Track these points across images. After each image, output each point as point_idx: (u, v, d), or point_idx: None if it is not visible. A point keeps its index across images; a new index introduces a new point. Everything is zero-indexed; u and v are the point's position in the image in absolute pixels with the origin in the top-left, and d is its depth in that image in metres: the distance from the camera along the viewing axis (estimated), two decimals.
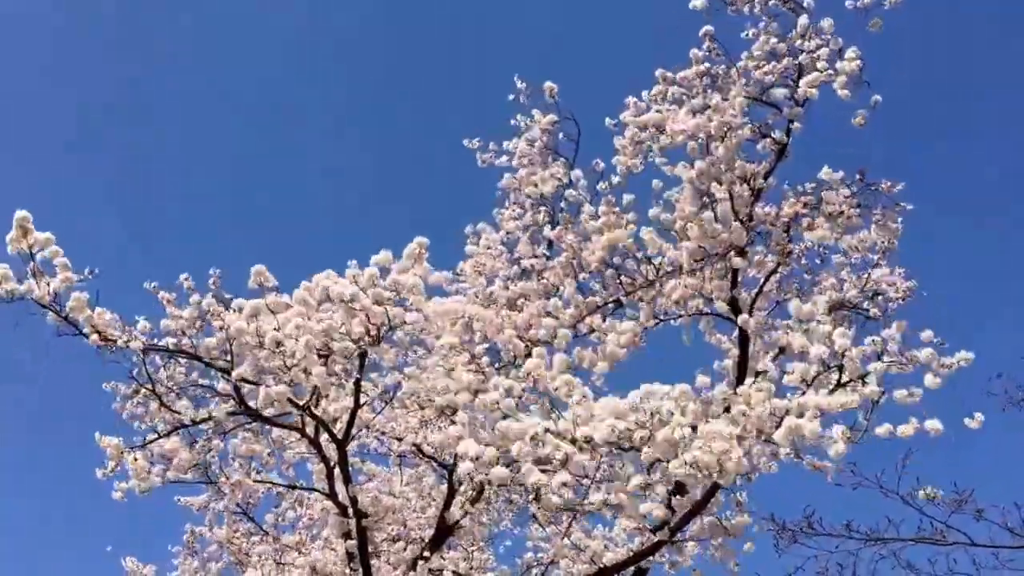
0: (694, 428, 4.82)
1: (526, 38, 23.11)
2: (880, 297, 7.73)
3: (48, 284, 5.72)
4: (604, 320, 6.95)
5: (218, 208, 25.01)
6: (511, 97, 7.37)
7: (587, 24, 23.48)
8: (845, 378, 4.99)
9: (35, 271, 5.68)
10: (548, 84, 7.21)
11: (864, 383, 4.81)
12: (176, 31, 23.44)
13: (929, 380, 4.68)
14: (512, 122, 7.45)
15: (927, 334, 4.80)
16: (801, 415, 4.49)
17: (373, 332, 5.93)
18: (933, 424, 4.44)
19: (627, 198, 6.99)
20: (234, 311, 6.06)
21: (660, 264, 6.96)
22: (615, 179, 6.91)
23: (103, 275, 6.10)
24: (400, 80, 24.64)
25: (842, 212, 7.10)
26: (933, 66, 19.81)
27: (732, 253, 6.72)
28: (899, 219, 7.21)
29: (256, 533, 7.83)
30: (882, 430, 4.59)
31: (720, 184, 6.64)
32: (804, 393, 4.95)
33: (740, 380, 6.93)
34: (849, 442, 4.42)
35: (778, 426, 4.74)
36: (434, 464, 7.52)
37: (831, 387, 5.05)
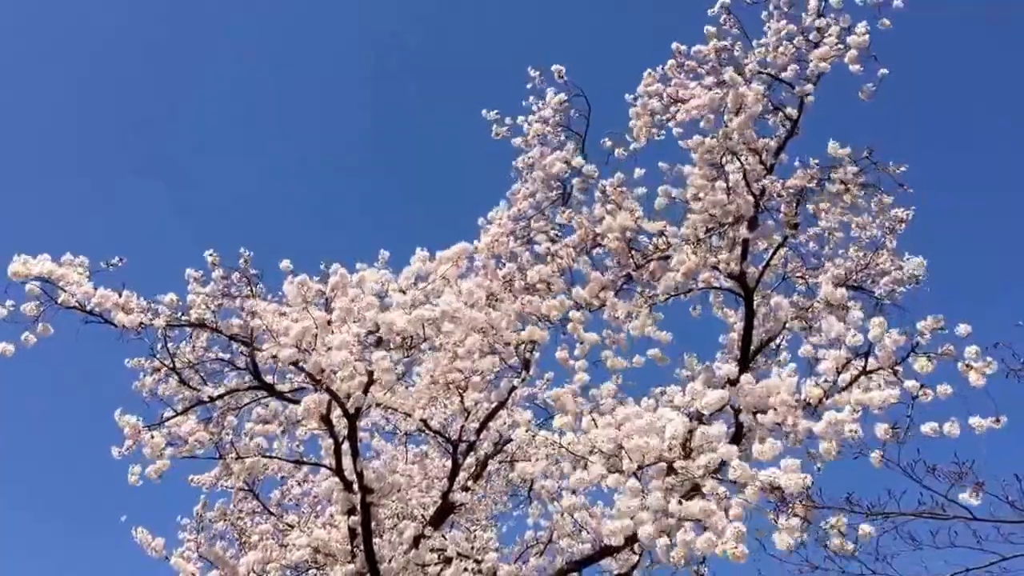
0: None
1: (526, 37, 23.07)
2: (885, 278, 7.80)
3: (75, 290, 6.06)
4: (616, 294, 6.95)
5: (218, 208, 24.94)
6: (528, 85, 7.58)
7: (590, 21, 23.44)
8: (874, 365, 4.99)
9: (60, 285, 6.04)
10: (556, 67, 7.49)
11: (896, 375, 4.80)
12: (176, 31, 23.57)
13: (974, 377, 4.59)
14: (524, 103, 7.61)
15: (965, 327, 4.76)
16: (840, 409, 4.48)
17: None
18: (979, 421, 4.40)
19: (637, 172, 7.02)
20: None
21: (667, 238, 6.97)
22: (633, 145, 7.00)
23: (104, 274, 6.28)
24: (404, 80, 24.99)
25: (847, 190, 7.16)
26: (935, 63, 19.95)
27: (743, 224, 6.71)
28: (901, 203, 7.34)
29: (260, 512, 7.72)
30: (927, 428, 4.55)
31: (733, 155, 6.65)
32: (835, 380, 4.96)
33: (744, 352, 7.04)
34: (893, 440, 4.40)
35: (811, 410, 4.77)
36: (440, 439, 7.44)
37: (857, 373, 5.06)
